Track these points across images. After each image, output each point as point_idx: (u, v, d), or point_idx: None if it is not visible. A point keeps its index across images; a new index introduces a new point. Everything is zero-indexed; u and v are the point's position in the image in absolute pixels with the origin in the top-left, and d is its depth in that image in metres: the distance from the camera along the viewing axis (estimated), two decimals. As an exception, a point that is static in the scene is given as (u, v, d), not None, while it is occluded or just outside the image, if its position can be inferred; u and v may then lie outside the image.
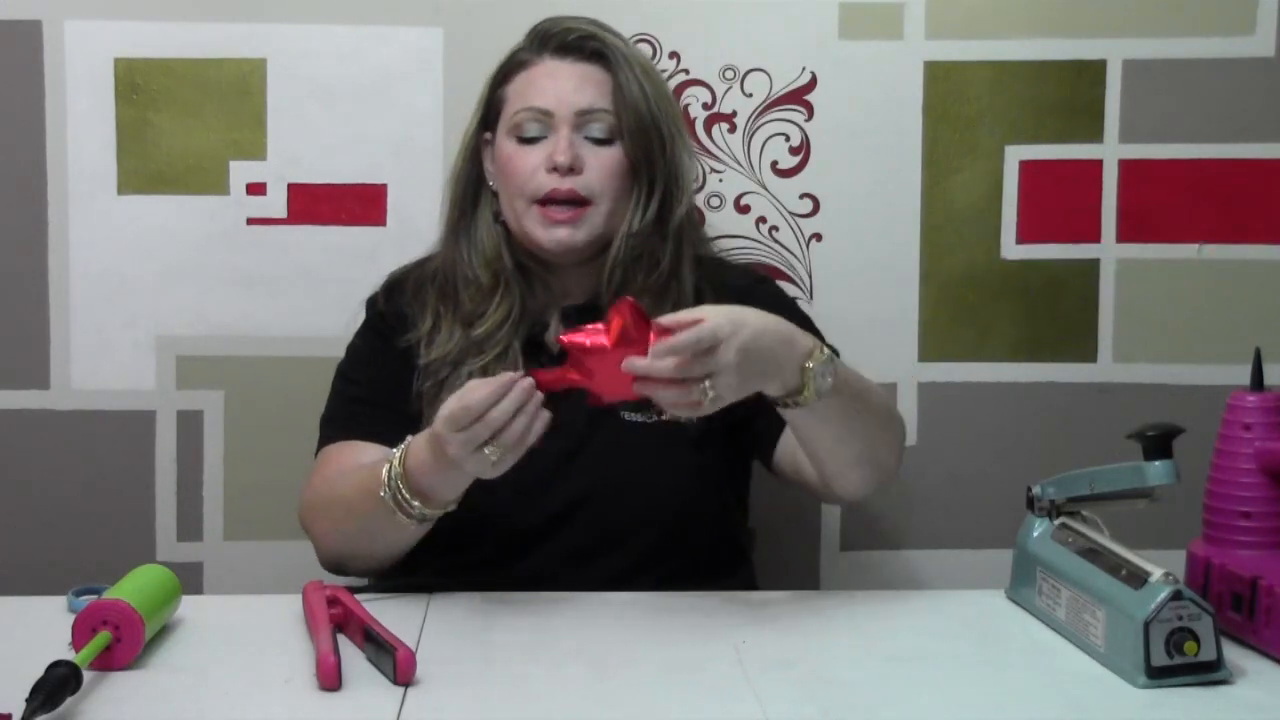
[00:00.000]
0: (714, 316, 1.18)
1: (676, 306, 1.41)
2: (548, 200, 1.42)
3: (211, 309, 1.76)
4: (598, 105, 1.43)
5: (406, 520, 1.28)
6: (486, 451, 1.19)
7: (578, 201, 1.42)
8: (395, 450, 1.29)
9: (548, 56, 1.46)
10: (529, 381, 1.20)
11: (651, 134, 1.44)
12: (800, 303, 1.78)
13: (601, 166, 1.43)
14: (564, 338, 1.21)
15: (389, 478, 1.28)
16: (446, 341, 1.43)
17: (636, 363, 1.17)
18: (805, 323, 1.48)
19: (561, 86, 1.44)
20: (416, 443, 1.28)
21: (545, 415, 1.20)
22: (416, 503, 1.27)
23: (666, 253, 1.44)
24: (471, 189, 1.49)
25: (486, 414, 1.18)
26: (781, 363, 1.23)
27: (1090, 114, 1.78)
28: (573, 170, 1.41)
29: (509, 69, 1.48)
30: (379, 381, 1.46)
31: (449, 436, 1.19)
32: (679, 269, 1.46)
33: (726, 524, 1.50)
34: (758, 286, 1.53)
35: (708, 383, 1.17)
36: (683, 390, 1.17)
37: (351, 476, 1.36)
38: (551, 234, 1.42)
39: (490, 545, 1.39)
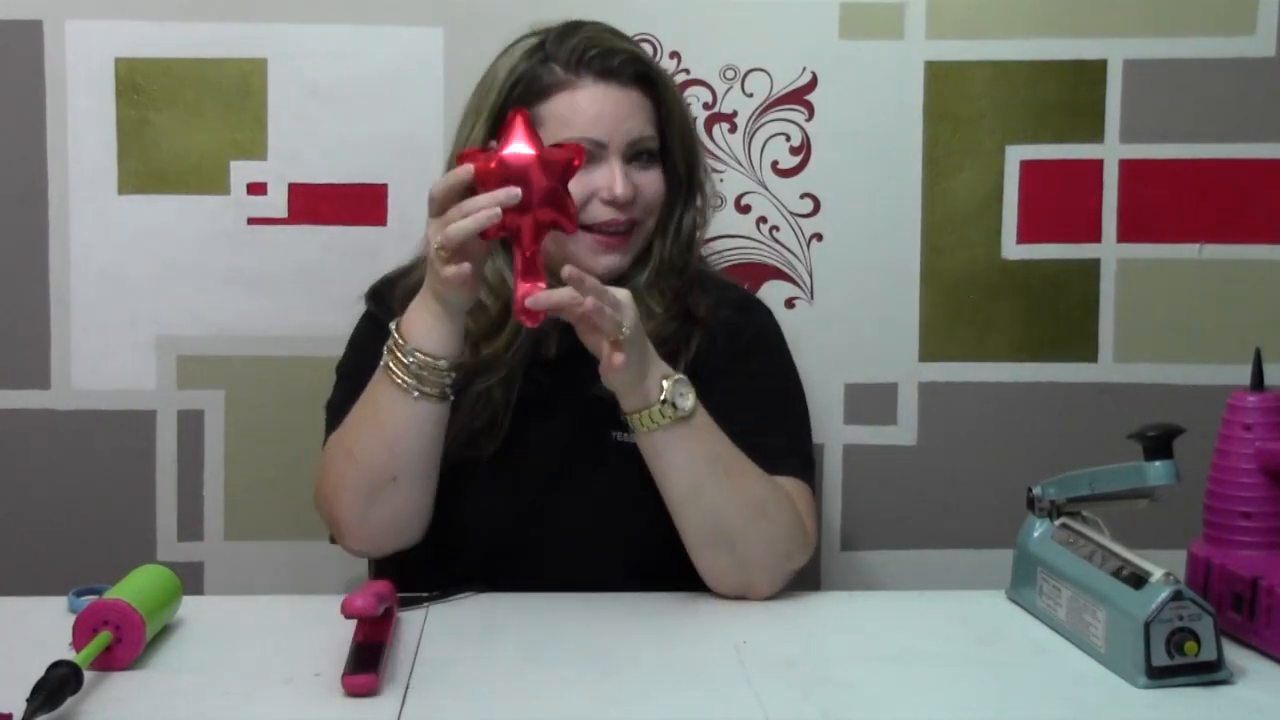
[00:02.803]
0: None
1: (683, 328, 1.42)
2: (599, 229, 1.39)
3: (212, 309, 1.76)
4: (647, 133, 1.41)
5: (406, 380, 1.30)
6: (439, 242, 1.24)
7: (631, 227, 1.41)
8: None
9: (590, 80, 1.40)
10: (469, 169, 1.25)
11: (692, 155, 1.46)
12: (800, 302, 1.79)
13: (649, 190, 1.42)
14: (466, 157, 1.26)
15: (390, 341, 1.32)
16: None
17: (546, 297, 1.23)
18: (783, 355, 1.50)
19: (612, 113, 1.39)
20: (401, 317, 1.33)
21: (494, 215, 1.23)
22: (414, 351, 1.30)
23: (685, 273, 1.44)
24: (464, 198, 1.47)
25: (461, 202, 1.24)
26: (652, 362, 1.30)
27: (1091, 114, 1.78)
28: (630, 202, 1.40)
29: (543, 86, 1.41)
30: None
31: (431, 222, 1.26)
32: (690, 291, 1.45)
33: None
34: (754, 310, 1.53)
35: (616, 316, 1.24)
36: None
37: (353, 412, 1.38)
38: (602, 260, 1.39)
39: (480, 565, 1.38)
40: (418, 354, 1.30)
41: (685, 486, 1.33)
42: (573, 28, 1.44)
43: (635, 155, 1.41)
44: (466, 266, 1.25)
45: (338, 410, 1.43)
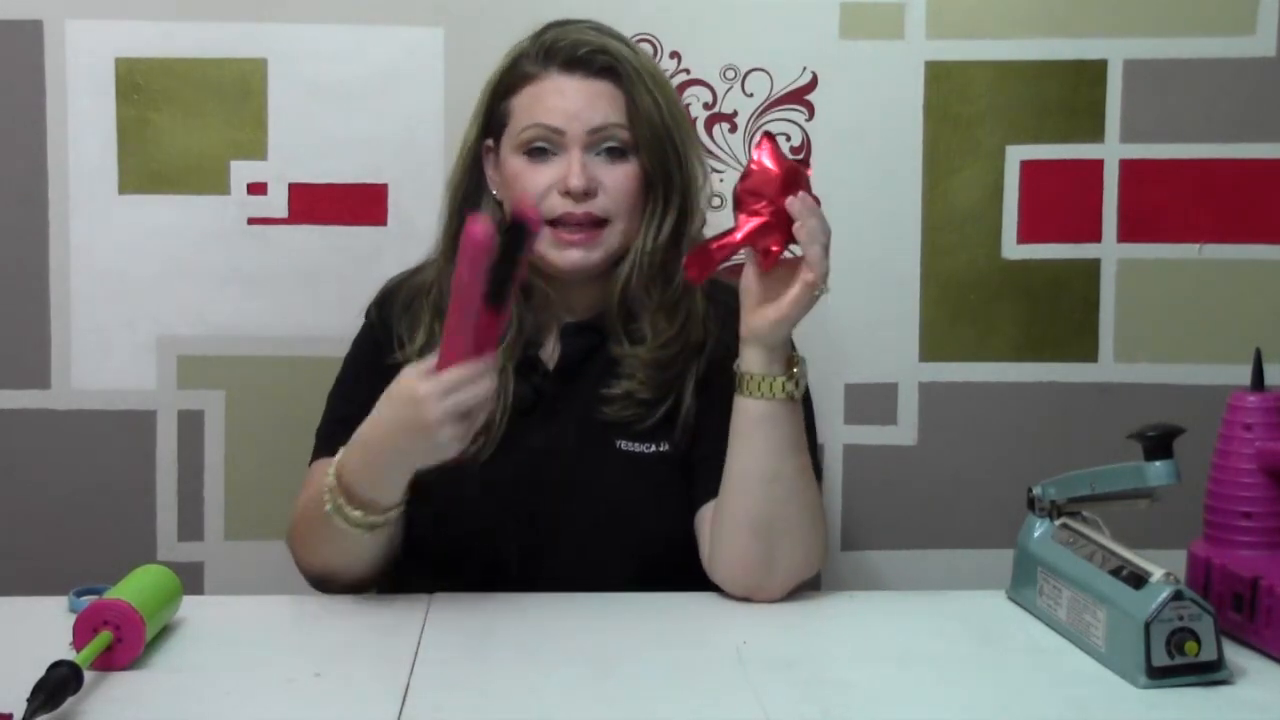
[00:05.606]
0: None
1: (688, 322, 1.41)
2: (559, 222, 1.38)
3: (212, 309, 1.76)
4: (611, 120, 1.39)
5: (354, 530, 1.27)
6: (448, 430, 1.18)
7: (594, 223, 1.38)
8: (333, 463, 1.28)
9: (555, 71, 1.40)
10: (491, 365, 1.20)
11: (667, 147, 1.41)
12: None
13: (617, 184, 1.39)
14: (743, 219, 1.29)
15: (329, 494, 1.27)
16: None
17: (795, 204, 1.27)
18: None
19: (571, 104, 1.38)
20: (346, 452, 1.27)
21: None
22: (357, 512, 1.26)
23: (680, 268, 1.38)
24: (471, 198, 1.45)
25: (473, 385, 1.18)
26: (789, 335, 1.30)
27: (1091, 114, 1.78)
28: (587, 194, 1.37)
29: (514, 81, 1.42)
30: (364, 399, 1.38)
31: (432, 397, 1.18)
32: (691, 285, 1.40)
33: None
34: None
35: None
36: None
37: (313, 496, 1.34)
38: (565, 255, 1.38)
39: (478, 570, 1.38)
40: (364, 517, 1.26)
41: (768, 466, 1.31)
42: (555, 24, 1.44)
43: (603, 148, 1.39)
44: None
45: (324, 437, 1.42)
